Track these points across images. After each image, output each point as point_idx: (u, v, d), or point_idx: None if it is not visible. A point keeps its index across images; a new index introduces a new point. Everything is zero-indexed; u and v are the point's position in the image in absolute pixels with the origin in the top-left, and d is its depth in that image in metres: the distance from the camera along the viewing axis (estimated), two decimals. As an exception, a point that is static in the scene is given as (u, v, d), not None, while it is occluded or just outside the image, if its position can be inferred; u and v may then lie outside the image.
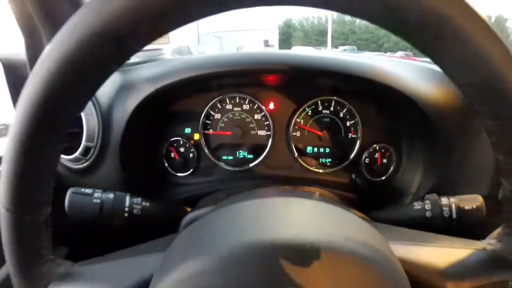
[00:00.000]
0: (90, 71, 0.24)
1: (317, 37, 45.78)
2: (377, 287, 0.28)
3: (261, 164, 0.74)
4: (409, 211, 0.55)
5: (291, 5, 0.25)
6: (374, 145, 0.73)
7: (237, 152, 0.76)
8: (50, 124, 0.26)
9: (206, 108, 0.74)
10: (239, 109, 0.74)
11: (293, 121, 0.73)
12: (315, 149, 0.75)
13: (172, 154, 0.76)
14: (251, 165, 0.74)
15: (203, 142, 0.75)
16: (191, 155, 0.76)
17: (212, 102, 0.74)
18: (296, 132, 0.74)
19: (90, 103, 0.60)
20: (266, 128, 0.74)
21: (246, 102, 0.74)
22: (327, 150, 0.75)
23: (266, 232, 0.27)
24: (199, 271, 0.26)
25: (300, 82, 0.71)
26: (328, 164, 0.74)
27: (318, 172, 0.74)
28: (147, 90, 0.63)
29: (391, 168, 0.73)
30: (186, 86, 0.66)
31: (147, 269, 0.34)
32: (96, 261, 0.37)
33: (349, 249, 0.28)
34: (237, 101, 0.74)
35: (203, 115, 0.74)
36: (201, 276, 0.26)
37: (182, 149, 0.76)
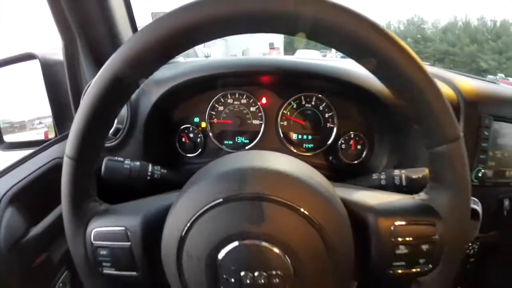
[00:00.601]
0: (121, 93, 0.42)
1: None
2: (319, 209, 0.40)
3: (255, 147, 0.90)
4: (369, 180, 0.71)
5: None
6: (349, 134, 0.88)
7: (236, 138, 0.92)
8: (107, 107, 0.42)
9: (212, 101, 0.91)
10: (238, 103, 0.91)
11: (280, 113, 0.90)
12: (299, 136, 0.91)
13: (184, 139, 0.93)
14: (247, 148, 0.91)
15: (208, 129, 0.92)
16: (199, 139, 0.92)
17: (217, 97, 0.91)
18: (283, 121, 0.90)
19: None
20: (260, 118, 0.91)
21: (244, 97, 0.91)
22: (309, 137, 0.90)
23: (244, 162, 0.44)
24: (203, 191, 0.41)
25: (287, 82, 0.88)
26: (310, 148, 0.90)
27: (302, 155, 0.90)
28: (165, 86, 0.81)
29: (364, 153, 0.89)
30: (196, 84, 0.84)
31: (168, 201, 0.47)
32: (128, 203, 0.51)
33: (295, 177, 0.41)
34: (237, 96, 0.91)
35: (209, 107, 0.91)
36: (204, 191, 0.41)
37: (191, 135, 0.92)
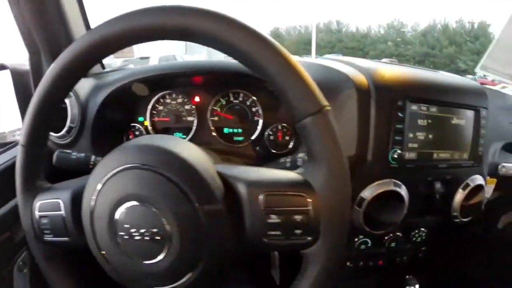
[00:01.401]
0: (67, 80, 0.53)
1: (305, 46, 46.00)
2: (192, 181, 0.47)
3: (190, 141, 0.95)
4: (277, 164, 0.75)
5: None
6: (276, 125, 0.94)
7: (174, 133, 0.99)
8: (54, 98, 0.53)
9: (152, 101, 0.97)
10: (175, 102, 0.98)
11: (210, 109, 0.96)
12: (230, 130, 0.97)
13: (131, 137, 1.00)
14: None
15: (150, 127, 0.98)
16: None
17: (156, 97, 0.97)
18: (214, 117, 0.97)
19: (73, 97, 0.88)
20: (193, 115, 0.97)
21: (179, 97, 0.98)
22: (239, 130, 0.96)
23: (143, 141, 0.55)
24: (106, 163, 0.51)
25: (216, 81, 0.95)
26: (241, 140, 0.96)
27: (233, 147, 0.96)
28: (111, 88, 0.90)
29: (291, 143, 0.94)
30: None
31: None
32: (66, 182, 0.61)
33: (176, 154, 0.49)
34: (173, 96, 0.98)
35: (150, 107, 0.98)
36: (107, 164, 0.51)
37: (137, 133, 0.99)
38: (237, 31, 0.44)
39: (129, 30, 0.46)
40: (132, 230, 0.47)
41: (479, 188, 0.93)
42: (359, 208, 0.82)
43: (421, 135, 0.84)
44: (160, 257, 0.47)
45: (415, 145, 0.84)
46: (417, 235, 0.99)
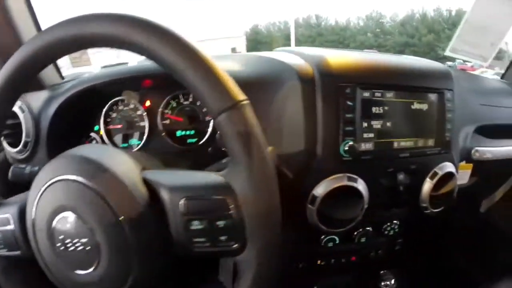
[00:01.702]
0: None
1: (285, 41, 46.17)
2: (114, 191, 0.46)
3: (143, 147, 0.91)
4: (220, 165, 0.71)
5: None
6: None
7: (129, 140, 0.93)
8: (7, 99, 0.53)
9: (105, 109, 0.91)
10: (127, 108, 0.93)
11: (160, 112, 0.90)
12: (183, 132, 0.91)
13: None
14: (136, 148, 0.92)
15: (104, 135, 0.92)
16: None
17: (109, 104, 0.91)
18: (165, 120, 0.91)
19: (26, 110, 0.86)
20: (145, 120, 0.92)
21: (131, 103, 0.92)
22: (192, 132, 0.91)
23: (74, 152, 0.53)
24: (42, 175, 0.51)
25: (166, 83, 0.88)
26: (194, 142, 0.91)
27: (187, 149, 0.90)
28: (61, 99, 0.85)
29: None
30: (89, 93, 0.86)
31: None
32: (16, 196, 0.60)
33: (99, 164, 0.49)
34: (125, 102, 0.92)
35: (103, 115, 0.92)
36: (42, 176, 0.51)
37: (94, 141, 0.93)
38: (144, 30, 0.43)
39: (58, 40, 0.47)
40: (67, 241, 0.47)
41: (449, 176, 0.89)
42: (312, 206, 0.77)
43: (377, 124, 0.80)
44: (92, 268, 0.47)
45: (371, 135, 0.80)
46: (389, 228, 0.95)
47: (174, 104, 0.92)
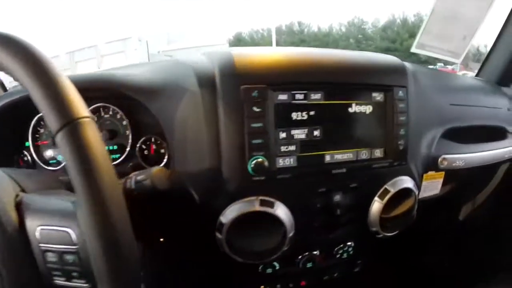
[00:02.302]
0: None
1: (268, 48, 46.36)
2: None
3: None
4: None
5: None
6: (148, 138, 0.79)
7: (58, 156, 0.84)
8: None
9: (32, 124, 0.81)
10: None
11: None
12: (107, 147, 0.80)
13: (21, 164, 0.86)
14: (60, 165, 0.82)
15: (33, 151, 0.83)
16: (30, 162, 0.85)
17: (35, 119, 0.82)
18: None
19: None
20: None
21: None
22: (115, 147, 0.81)
23: None
24: None
25: (84, 96, 0.78)
26: (117, 158, 0.80)
27: (114, 165, 0.79)
28: None
29: (166, 156, 0.79)
30: (15, 109, 0.77)
31: None
32: None
33: None
34: None
35: (30, 130, 0.82)
36: None
37: (26, 158, 0.85)
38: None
39: None
40: None
41: (405, 193, 0.76)
42: (219, 234, 0.65)
43: (300, 134, 0.66)
44: None
45: (292, 148, 0.66)
46: (341, 251, 0.82)
47: (95, 118, 0.80)
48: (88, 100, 0.78)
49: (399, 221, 0.77)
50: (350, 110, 0.69)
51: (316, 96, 0.66)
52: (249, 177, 0.63)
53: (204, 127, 0.64)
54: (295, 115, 0.65)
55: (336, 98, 0.68)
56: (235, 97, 0.62)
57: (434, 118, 0.86)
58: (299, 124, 0.66)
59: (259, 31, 51.88)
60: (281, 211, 0.65)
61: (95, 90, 0.75)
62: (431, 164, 0.85)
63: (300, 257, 0.78)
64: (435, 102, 0.87)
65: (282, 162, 0.65)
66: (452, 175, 0.92)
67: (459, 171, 0.90)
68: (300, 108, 0.65)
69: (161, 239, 0.77)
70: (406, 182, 0.75)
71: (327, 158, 0.69)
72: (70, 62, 28.35)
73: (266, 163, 0.63)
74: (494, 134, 1.00)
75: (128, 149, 0.80)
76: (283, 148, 0.65)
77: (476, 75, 1.26)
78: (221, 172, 0.64)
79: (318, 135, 0.67)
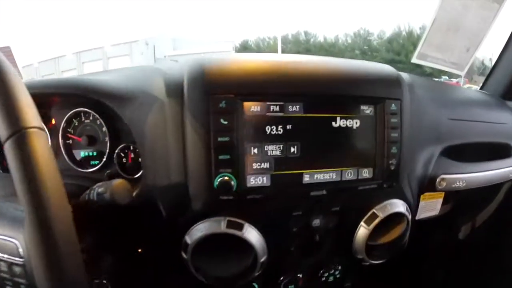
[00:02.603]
0: None
1: (274, 57, 46.56)
2: None
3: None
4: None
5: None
6: (126, 146, 0.74)
7: None
8: None
9: None
10: None
11: (61, 131, 0.76)
12: (87, 153, 0.77)
13: None
14: None
15: None
16: None
17: None
18: (68, 140, 0.77)
19: None
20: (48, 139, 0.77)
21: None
22: (94, 153, 0.76)
23: None
24: None
25: (68, 100, 0.76)
26: (95, 164, 0.76)
27: (89, 172, 0.75)
28: None
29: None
30: None
31: None
32: None
33: None
34: None
35: None
36: None
37: None
38: None
39: None
40: None
41: (396, 217, 0.69)
42: (185, 255, 0.60)
43: (275, 150, 0.60)
44: None
45: (265, 165, 0.60)
46: (327, 274, 0.76)
47: (76, 123, 0.77)
48: (70, 105, 0.76)
49: (388, 248, 0.71)
50: (334, 124, 0.63)
51: (294, 108, 0.61)
52: (216, 195, 0.59)
53: (171, 139, 0.60)
54: (269, 129, 0.60)
55: (317, 111, 0.62)
56: (202, 108, 0.58)
57: (431, 135, 0.79)
58: (274, 139, 0.60)
59: (266, 39, 52.12)
60: (251, 234, 0.60)
61: (66, 95, 0.71)
62: (428, 185, 0.78)
63: (282, 278, 0.73)
64: (433, 116, 0.81)
65: (253, 181, 0.60)
66: (453, 194, 0.86)
67: (460, 191, 0.84)
68: (275, 121, 0.60)
69: (139, 250, 0.73)
70: (398, 206, 0.69)
71: (306, 178, 0.63)
72: (77, 62, 28.47)
73: (233, 182, 0.58)
74: (498, 151, 0.93)
75: (106, 156, 0.75)
76: (255, 166, 0.60)
77: (481, 88, 1.20)
78: (188, 188, 0.60)
79: (296, 152, 0.61)
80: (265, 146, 0.60)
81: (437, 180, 0.78)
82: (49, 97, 0.74)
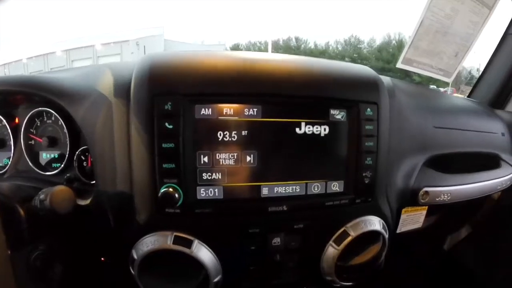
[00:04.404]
0: None
1: (264, 61, 47.00)
2: None
3: (8, 173, 0.72)
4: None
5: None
6: (82, 148, 0.68)
7: (3, 160, 0.77)
8: None
9: None
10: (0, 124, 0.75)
11: (22, 132, 0.71)
12: (49, 155, 0.71)
13: None
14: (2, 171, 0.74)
15: None
16: None
17: None
18: (31, 141, 0.71)
19: None
20: (11, 139, 0.73)
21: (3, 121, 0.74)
22: (56, 155, 0.71)
23: None
24: None
25: (30, 99, 0.70)
26: (58, 167, 0.70)
27: (50, 175, 0.70)
28: None
29: None
30: None
31: None
32: None
33: None
34: None
35: None
36: None
37: None
38: None
39: None
40: None
41: (371, 236, 0.63)
42: (132, 270, 0.55)
43: (227, 158, 0.55)
44: None
45: (216, 176, 0.54)
46: None
47: (38, 123, 0.71)
48: (33, 105, 0.69)
49: (362, 270, 0.64)
50: (298, 130, 0.57)
51: (251, 112, 0.55)
52: (161, 207, 0.53)
53: (118, 143, 0.54)
54: (221, 135, 0.54)
55: (278, 115, 0.56)
56: (146, 110, 0.52)
57: (414, 144, 0.73)
58: (227, 146, 0.54)
59: (257, 44, 52.27)
60: (201, 251, 0.54)
61: (20, 93, 0.66)
62: (410, 199, 0.72)
63: None
64: (417, 124, 0.75)
65: (204, 193, 0.54)
66: (436, 207, 0.81)
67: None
68: (229, 126, 0.54)
69: (102, 259, 0.68)
70: (373, 223, 0.63)
71: (264, 191, 0.57)
72: (66, 60, 28.14)
73: (177, 194, 0.52)
74: (486, 162, 0.88)
75: (66, 158, 0.69)
76: (205, 176, 0.54)
77: (468, 96, 1.17)
78: (132, 198, 0.54)
79: (252, 161, 0.55)
80: (217, 154, 0.54)
81: (420, 193, 0.72)
82: (9, 95, 0.69)
